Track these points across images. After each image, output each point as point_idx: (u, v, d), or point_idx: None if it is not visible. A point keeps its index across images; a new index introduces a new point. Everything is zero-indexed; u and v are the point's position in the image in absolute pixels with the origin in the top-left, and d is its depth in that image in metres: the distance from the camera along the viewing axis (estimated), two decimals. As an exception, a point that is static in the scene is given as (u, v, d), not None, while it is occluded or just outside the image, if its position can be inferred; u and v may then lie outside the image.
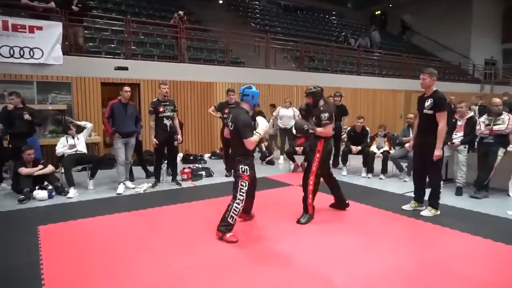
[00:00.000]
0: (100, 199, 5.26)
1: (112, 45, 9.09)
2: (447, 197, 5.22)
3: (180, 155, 8.64)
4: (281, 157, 8.36)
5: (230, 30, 10.88)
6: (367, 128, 7.06)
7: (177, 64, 9.34)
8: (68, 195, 5.29)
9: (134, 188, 5.77)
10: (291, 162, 7.33)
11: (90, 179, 5.92)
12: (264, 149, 8.56)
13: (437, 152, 4.25)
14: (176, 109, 6.13)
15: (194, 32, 10.78)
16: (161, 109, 5.82)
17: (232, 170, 4.10)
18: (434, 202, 4.51)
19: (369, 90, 12.96)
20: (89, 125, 6.26)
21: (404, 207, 4.71)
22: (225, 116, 6.65)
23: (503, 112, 5.46)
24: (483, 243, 3.60)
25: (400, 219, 4.36)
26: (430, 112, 4.30)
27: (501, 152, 5.25)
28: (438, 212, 4.49)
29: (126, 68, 8.33)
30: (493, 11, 20.36)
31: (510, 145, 5.47)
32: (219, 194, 5.41)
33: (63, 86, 7.60)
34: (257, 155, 8.96)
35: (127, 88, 5.70)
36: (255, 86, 3.98)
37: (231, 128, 3.73)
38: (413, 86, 13.69)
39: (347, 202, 4.70)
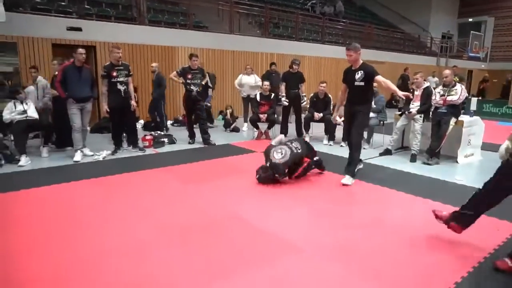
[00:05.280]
0: (56, 167, 5.02)
1: (63, 3, 8.39)
2: (402, 164, 5.52)
3: (141, 122, 8.38)
4: (245, 124, 8.34)
5: (192, -8, 10.36)
6: (330, 96, 7.14)
7: (136, 26, 8.85)
8: (20, 163, 4.99)
9: (92, 155, 5.56)
10: (255, 130, 7.33)
11: (43, 146, 5.62)
12: (228, 116, 8.48)
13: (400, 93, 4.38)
14: (131, 74, 5.85)
15: (154, -7, 10.18)
16: (114, 74, 5.55)
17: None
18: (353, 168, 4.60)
19: (332, 59, 13.04)
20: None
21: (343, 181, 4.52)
22: (188, 81, 6.46)
23: (457, 83, 5.72)
24: (435, 205, 3.85)
25: (360, 184, 4.54)
26: (362, 83, 4.45)
27: (452, 121, 5.52)
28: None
29: (79, 29, 7.78)
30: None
31: (461, 115, 5.81)
32: (181, 161, 5.37)
33: (7, 46, 6.98)
34: (220, 122, 8.90)
35: (81, 50, 5.34)
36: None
37: None
38: (376, 56, 14.02)
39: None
